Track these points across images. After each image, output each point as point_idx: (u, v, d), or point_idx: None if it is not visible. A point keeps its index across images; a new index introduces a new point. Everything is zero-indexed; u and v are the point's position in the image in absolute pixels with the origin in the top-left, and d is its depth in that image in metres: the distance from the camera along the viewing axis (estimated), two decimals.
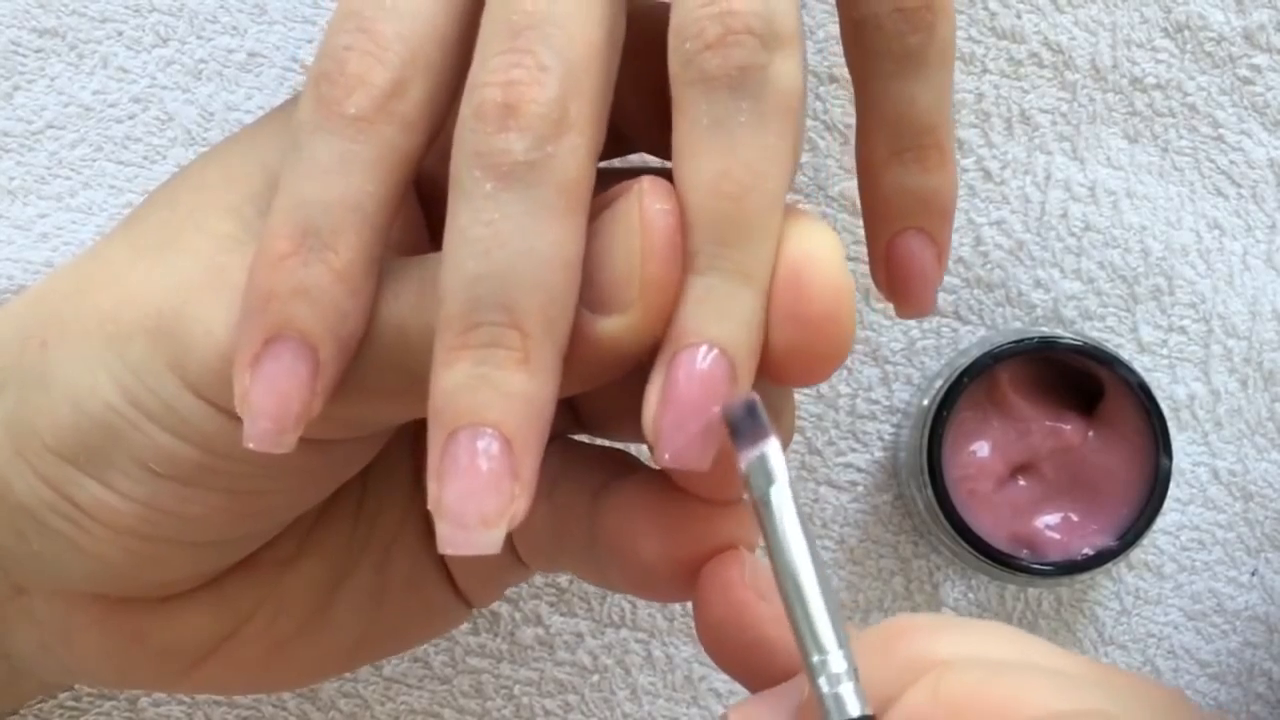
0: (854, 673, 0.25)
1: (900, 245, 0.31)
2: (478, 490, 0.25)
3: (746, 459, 0.26)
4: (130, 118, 0.42)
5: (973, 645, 0.26)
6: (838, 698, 0.25)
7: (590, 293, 0.27)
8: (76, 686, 0.41)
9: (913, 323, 0.43)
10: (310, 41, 0.42)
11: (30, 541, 0.30)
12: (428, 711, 0.42)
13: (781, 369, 0.27)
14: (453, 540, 0.25)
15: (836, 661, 0.25)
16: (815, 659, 0.25)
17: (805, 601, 0.25)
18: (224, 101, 0.42)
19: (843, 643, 0.25)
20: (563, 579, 0.43)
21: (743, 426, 0.26)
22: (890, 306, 0.43)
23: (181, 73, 0.42)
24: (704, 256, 0.26)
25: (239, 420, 0.27)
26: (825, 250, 0.27)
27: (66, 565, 0.31)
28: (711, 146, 0.26)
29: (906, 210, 0.31)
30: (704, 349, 0.26)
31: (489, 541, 0.25)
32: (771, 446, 0.26)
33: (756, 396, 0.26)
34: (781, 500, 0.26)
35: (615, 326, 0.27)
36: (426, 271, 0.27)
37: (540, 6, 0.26)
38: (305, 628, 0.33)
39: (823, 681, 0.25)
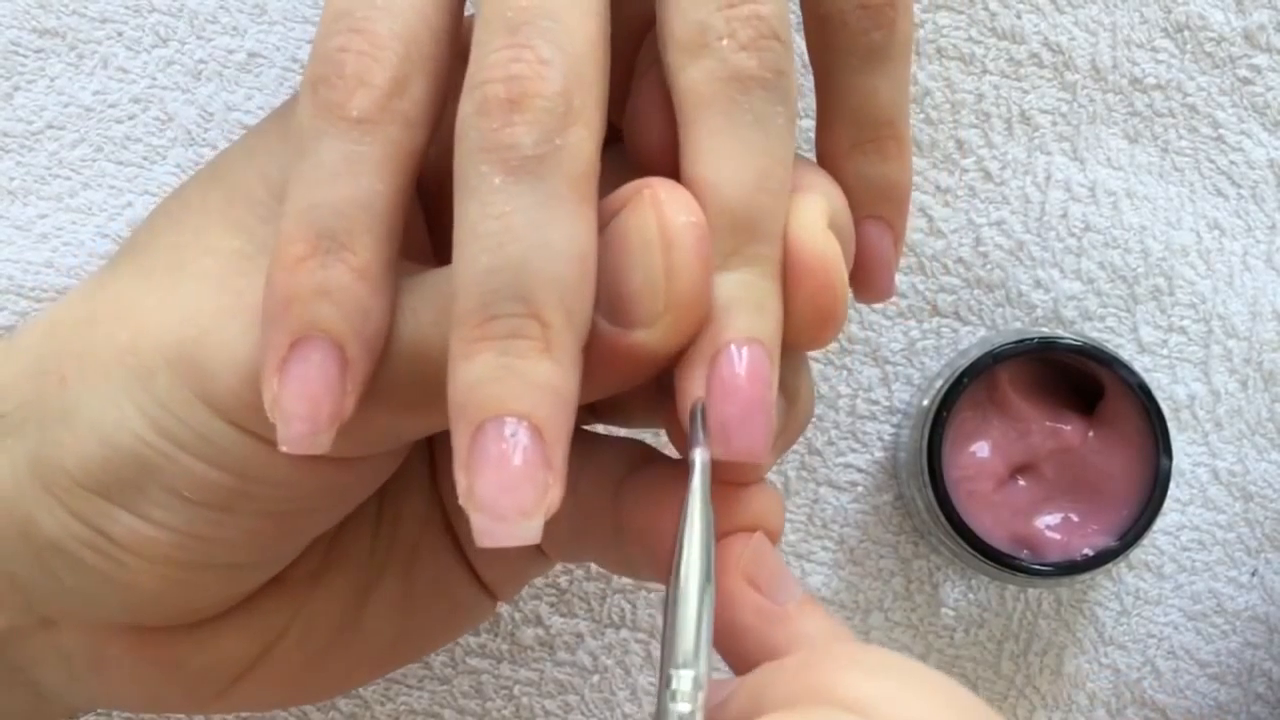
0: (695, 695, 0.25)
1: (860, 233, 0.32)
2: (514, 482, 0.25)
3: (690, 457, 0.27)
4: (130, 118, 0.42)
5: (880, 694, 0.25)
6: (673, 713, 0.25)
7: (613, 306, 0.27)
8: None
9: (913, 322, 0.43)
10: (310, 42, 0.42)
11: (61, 578, 0.30)
12: (428, 712, 0.42)
13: (795, 338, 0.28)
14: (491, 533, 0.25)
15: (685, 679, 0.25)
16: (670, 670, 0.26)
17: (676, 613, 0.26)
18: (224, 101, 0.42)
19: (689, 663, 0.25)
20: (562, 579, 0.43)
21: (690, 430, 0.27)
22: (889, 306, 0.43)
23: (181, 73, 0.42)
24: (740, 256, 0.27)
25: (271, 443, 0.27)
26: (811, 223, 0.28)
27: (101, 598, 0.30)
28: (755, 145, 0.27)
29: (866, 199, 0.31)
30: (745, 343, 0.27)
31: (528, 532, 0.25)
32: (699, 456, 0.27)
33: (701, 400, 0.27)
34: (693, 510, 0.26)
35: (641, 338, 0.27)
36: (441, 284, 0.27)
37: (535, 0, 0.26)
38: (338, 638, 0.33)
39: (666, 695, 0.25)
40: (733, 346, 0.27)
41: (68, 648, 0.32)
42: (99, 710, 0.41)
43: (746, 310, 0.27)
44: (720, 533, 0.29)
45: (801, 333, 0.28)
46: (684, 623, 0.26)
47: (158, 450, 0.29)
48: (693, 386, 0.27)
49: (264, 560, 0.31)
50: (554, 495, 0.25)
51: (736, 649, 0.28)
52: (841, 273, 0.28)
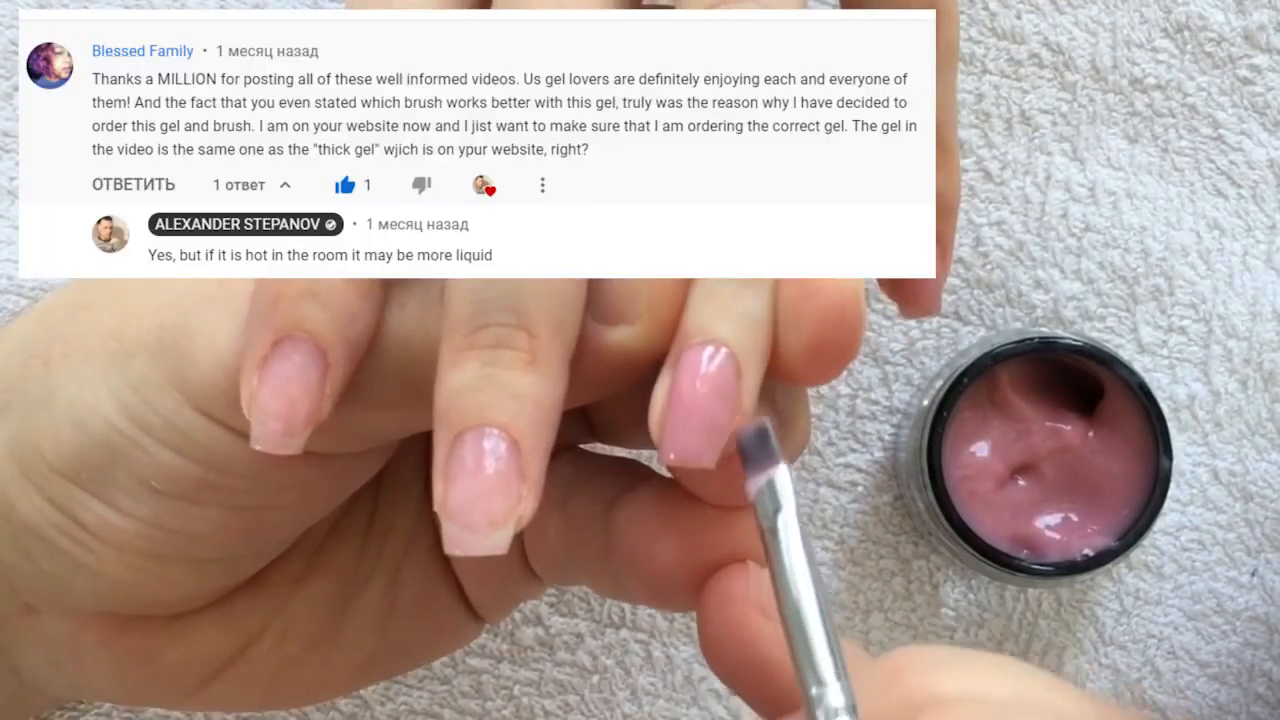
0: (853, 708, 0.24)
1: None
2: (485, 491, 0.25)
3: (755, 485, 0.26)
4: None
5: (976, 683, 0.25)
6: None
7: (597, 303, 0.26)
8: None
9: (913, 323, 0.43)
10: None
11: (38, 561, 0.30)
12: (428, 712, 0.42)
13: (791, 368, 0.27)
14: (460, 541, 0.25)
15: (835, 695, 0.24)
16: (814, 691, 0.24)
17: (806, 633, 0.25)
18: None
19: (841, 675, 0.24)
20: None
21: (753, 452, 0.26)
22: (890, 306, 0.43)
23: None
24: None
25: (240, 436, 0.27)
26: None
27: (74, 584, 0.31)
28: None
29: None
30: (711, 349, 0.26)
31: (495, 542, 0.25)
32: (780, 473, 0.26)
33: (769, 421, 0.26)
34: (787, 529, 0.25)
35: (623, 336, 0.26)
36: (430, 284, 0.27)
37: None
38: (315, 646, 0.33)
39: (820, 714, 0.24)
40: (694, 351, 0.26)
41: (49, 633, 0.32)
42: (96, 707, 0.41)
43: (710, 314, 0.26)
44: (718, 558, 0.28)
45: (797, 363, 0.27)
46: (815, 638, 0.25)
47: (127, 437, 0.29)
48: (660, 391, 0.26)
49: (231, 556, 0.31)
50: (526, 506, 0.25)
51: (762, 681, 0.27)
52: (855, 297, 0.27)
